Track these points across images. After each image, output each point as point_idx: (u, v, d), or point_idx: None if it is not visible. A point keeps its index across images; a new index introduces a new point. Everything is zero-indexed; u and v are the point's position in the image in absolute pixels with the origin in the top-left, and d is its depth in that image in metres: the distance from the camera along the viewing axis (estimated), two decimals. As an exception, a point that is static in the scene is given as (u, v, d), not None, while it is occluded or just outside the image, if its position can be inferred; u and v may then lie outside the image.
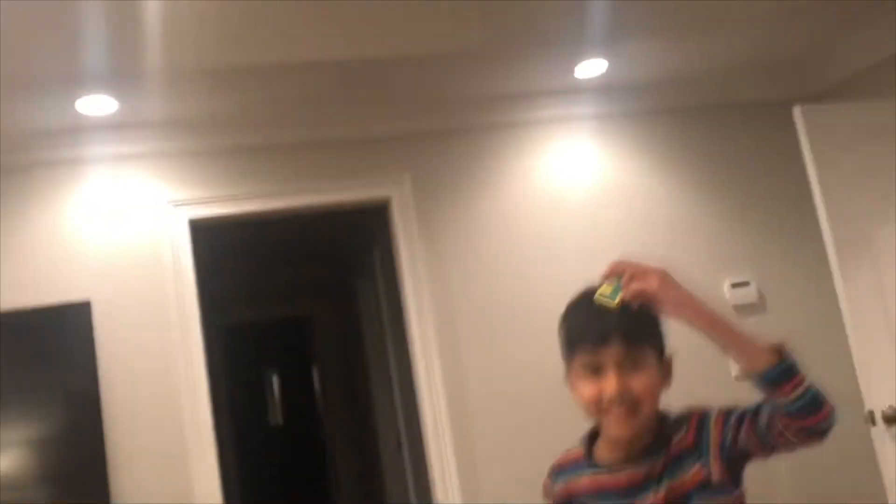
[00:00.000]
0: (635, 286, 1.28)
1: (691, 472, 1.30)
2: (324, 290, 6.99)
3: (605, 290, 1.30)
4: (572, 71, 3.37)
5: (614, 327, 1.30)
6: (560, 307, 3.53)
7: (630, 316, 1.30)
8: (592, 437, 1.44)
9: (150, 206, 3.25)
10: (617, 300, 1.28)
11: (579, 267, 3.53)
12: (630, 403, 1.30)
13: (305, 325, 7.23)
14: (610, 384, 1.30)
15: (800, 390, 1.19)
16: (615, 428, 1.33)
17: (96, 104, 2.94)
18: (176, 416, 3.13)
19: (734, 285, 3.66)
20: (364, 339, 5.73)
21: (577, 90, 3.56)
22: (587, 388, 1.33)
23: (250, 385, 7.49)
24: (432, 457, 3.37)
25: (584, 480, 1.41)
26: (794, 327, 3.68)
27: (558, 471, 1.48)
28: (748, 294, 3.66)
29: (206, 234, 3.35)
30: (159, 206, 3.25)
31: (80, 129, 3.11)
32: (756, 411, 1.26)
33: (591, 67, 3.36)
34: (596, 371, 1.32)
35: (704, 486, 1.30)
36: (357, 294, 5.77)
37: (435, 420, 3.38)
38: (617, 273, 1.31)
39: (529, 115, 3.61)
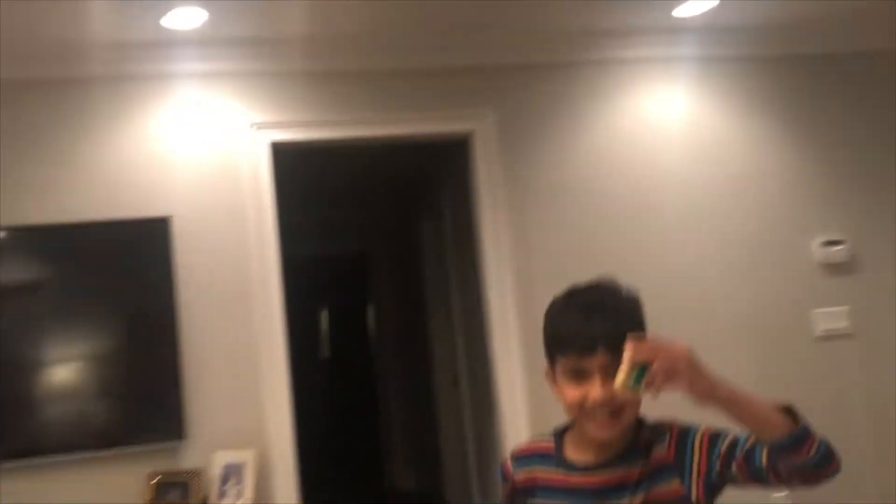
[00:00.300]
0: (664, 384, 1.16)
1: (671, 487, 1.30)
2: (384, 229, 6.94)
3: (628, 379, 1.18)
4: (674, 8, 3.20)
5: (601, 335, 1.27)
6: (647, 254, 3.43)
7: (617, 324, 1.27)
8: (561, 433, 1.43)
9: (234, 127, 3.20)
10: (641, 391, 1.19)
11: (667, 213, 3.44)
12: (614, 409, 1.29)
13: (362, 262, 7.21)
14: (595, 391, 1.28)
15: (814, 450, 1.17)
16: (597, 431, 1.32)
17: (186, 16, 2.87)
18: (250, 337, 3.12)
19: (825, 243, 3.51)
20: (424, 278, 5.68)
21: (677, 30, 3.40)
22: (570, 392, 1.32)
23: (303, 317, 7.51)
24: (502, 399, 3.33)
25: (553, 475, 1.40)
26: (886, 291, 3.56)
27: (523, 458, 1.47)
28: (839, 253, 3.52)
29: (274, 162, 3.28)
30: (242, 127, 3.20)
31: (168, 44, 3.05)
32: (751, 450, 1.23)
33: (697, 5, 3.18)
34: (580, 375, 1.30)
35: (682, 500, 1.29)
36: (420, 234, 5.71)
37: (509, 364, 3.33)
38: (641, 361, 1.17)
39: (624, 54, 3.47)
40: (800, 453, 1.16)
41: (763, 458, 1.20)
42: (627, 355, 1.17)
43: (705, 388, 1.17)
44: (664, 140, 3.48)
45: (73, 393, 2.95)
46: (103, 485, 2.93)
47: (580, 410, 1.32)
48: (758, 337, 3.42)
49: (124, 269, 3.03)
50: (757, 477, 1.23)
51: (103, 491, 2.92)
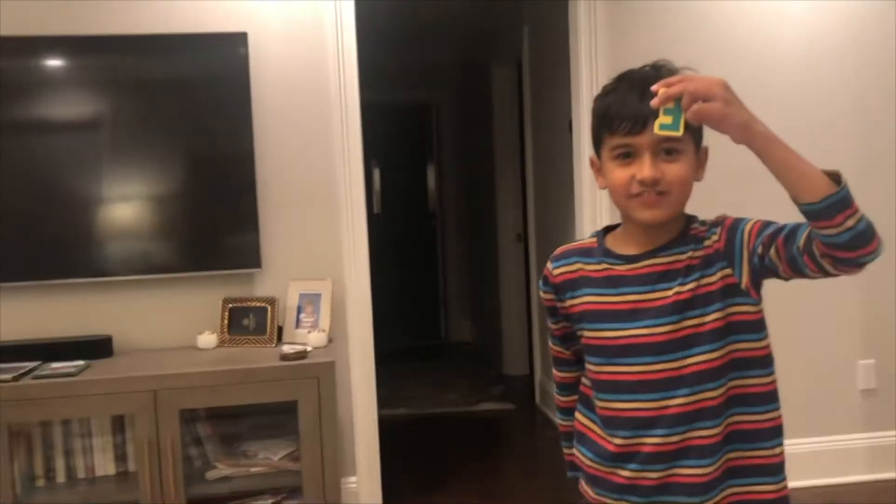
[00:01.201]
0: (699, 107, 1.11)
1: (720, 274, 1.26)
2: (451, 76, 6.64)
3: (665, 119, 1.15)
4: None
5: (653, 113, 1.19)
6: (759, 95, 3.15)
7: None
8: (606, 231, 1.40)
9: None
10: (681, 128, 1.15)
11: (785, 56, 3.17)
12: (662, 189, 1.24)
13: (425, 115, 6.98)
14: (645, 167, 1.23)
15: (851, 221, 1.09)
16: (644, 212, 1.26)
17: None
18: (329, 168, 2.99)
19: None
20: (493, 129, 5.46)
21: None
22: (619, 172, 1.27)
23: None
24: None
25: (597, 268, 1.36)
26: None
27: (563, 256, 1.42)
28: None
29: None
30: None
31: None
32: (792, 232, 1.18)
33: None
34: (629, 155, 1.26)
35: (732, 289, 1.26)
36: (491, 81, 5.43)
37: (594, 214, 3.16)
38: (673, 96, 1.13)
39: None
40: (834, 221, 1.08)
41: (801, 240, 1.15)
42: (659, 96, 1.13)
43: (743, 118, 1.12)
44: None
45: (147, 217, 2.87)
46: (177, 306, 2.91)
47: (627, 194, 1.27)
48: (863, 198, 3.16)
49: (197, 88, 2.86)
50: (792, 262, 1.18)
51: (177, 312, 2.91)
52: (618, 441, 1.32)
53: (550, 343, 1.54)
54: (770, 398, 1.31)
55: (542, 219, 4.59)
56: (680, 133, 1.15)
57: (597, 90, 3.00)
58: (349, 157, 2.99)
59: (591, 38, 3.10)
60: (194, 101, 2.87)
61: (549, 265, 1.43)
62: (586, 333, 1.36)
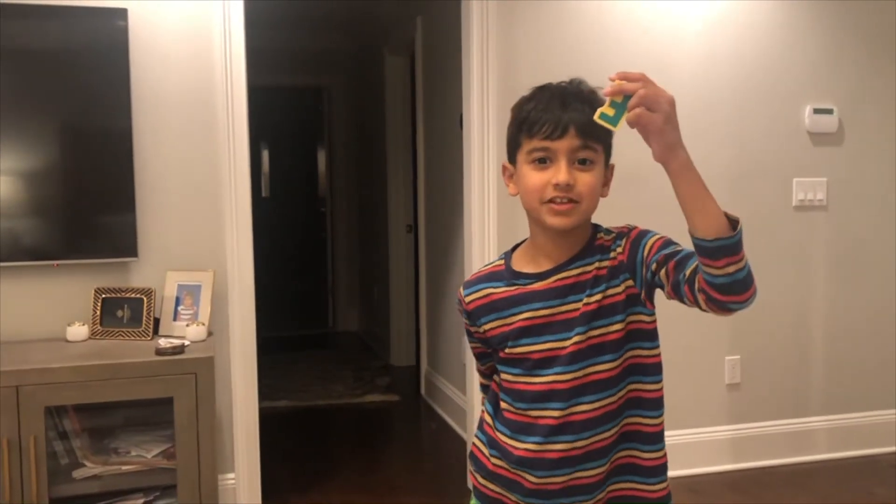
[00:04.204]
0: (642, 112, 1.13)
1: (624, 285, 1.31)
2: (343, 62, 6.55)
3: (608, 110, 1.15)
4: None
5: (573, 121, 1.25)
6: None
7: (589, 112, 1.22)
8: (511, 251, 1.44)
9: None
10: (619, 125, 1.16)
11: (658, 71, 3.26)
12: (574, 197, 1.28)
13: (318, 97, 6.85)
14: (561, 172, 1.27)
15: (732, 268, 1.14)
16: (553, 218, 1.29)
17: None
18: (211, 155, 2.89)
19: (816, 111, 3.40)
20: (385, 117, 5.42)
21: None
22: (534, 176, 1.30)
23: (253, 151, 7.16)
24: (474, 246, 3.20)
25: (505, 290, 1.39)
26: (869, 165, 3.51)
27: (472, 283, 1.45)
28: (829, 123, 3.42)
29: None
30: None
31: None
32: (683, 259, 1.23)
33: None
34: (544, 161, 1.29)
35: (633, 299, 1.31)
36: (384, 70, 5.39)
37: (483, 210, 3.17)
38: (627, 91, 1.13)
39: None
40: (717, 262, 1.13)
41: (688, 270, 1.20)
42: (613, 86, 1.14)
43: (674, 140, 1.14)
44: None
45: (13, 196, 2.68)
46: (45, 295, 2.75)
47: (540, 198, 1.30)
48: (737, 200, 3.33)
49: (73, 60, 2.69)
50: (675, 287, 1.23)
51: (45, 301, 2.75)
52: (528, 447, 1.34)
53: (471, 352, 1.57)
54: (658, 404, 1.36)
55: (433, 210, 4.60)
56: (616, 128, 1.16)
57: (488, 87, 3.10)
58: (234, 140, 2.90)
59: (483, 34, 3.11)
60: (69, 74, 2.71)
61: (462, 291, 1.45)
62: (506, 350, 1.38)
